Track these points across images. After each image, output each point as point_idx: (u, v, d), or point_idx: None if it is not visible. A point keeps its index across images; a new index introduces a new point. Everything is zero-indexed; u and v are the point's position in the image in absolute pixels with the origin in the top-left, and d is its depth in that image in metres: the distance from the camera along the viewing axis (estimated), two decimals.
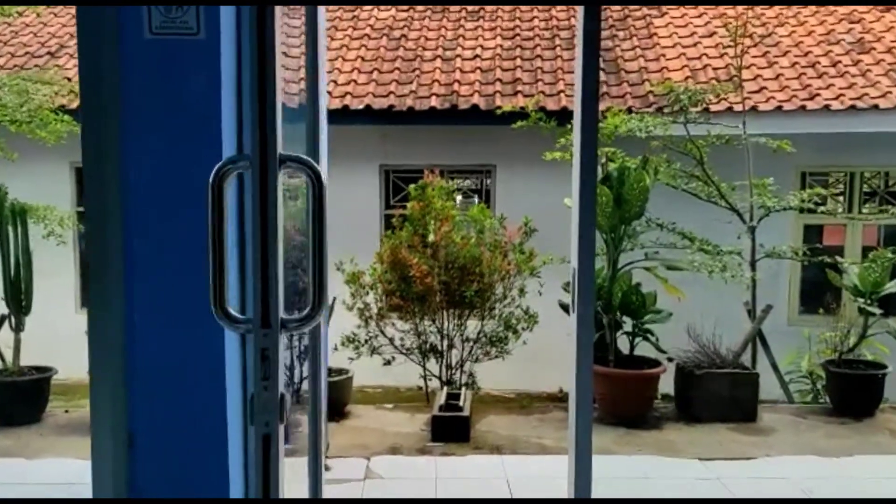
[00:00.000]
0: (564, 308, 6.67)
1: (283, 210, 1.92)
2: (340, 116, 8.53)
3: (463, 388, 6.08)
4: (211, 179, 1.81)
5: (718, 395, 5.86)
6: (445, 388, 6.13)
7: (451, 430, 5.45)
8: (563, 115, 7.87)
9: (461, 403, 5.68)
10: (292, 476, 3.64)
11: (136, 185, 2.41)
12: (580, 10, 2.92)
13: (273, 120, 1.75)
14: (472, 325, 6.73)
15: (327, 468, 4.67)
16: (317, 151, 2.71)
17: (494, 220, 6.93)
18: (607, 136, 6.71)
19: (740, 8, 8.35)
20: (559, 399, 8.67)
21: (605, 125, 6.80)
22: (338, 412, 5.91)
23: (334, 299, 6.19)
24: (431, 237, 6.53)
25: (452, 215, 6.67)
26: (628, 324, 6.23)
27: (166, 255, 2.41)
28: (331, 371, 5.90)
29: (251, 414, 1.83)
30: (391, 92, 8.95)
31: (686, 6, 10.39)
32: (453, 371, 6.73)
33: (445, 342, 6.71)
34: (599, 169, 6.18)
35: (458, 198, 9.16)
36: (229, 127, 2.40)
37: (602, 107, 7.97)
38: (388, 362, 6.77)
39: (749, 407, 5.89)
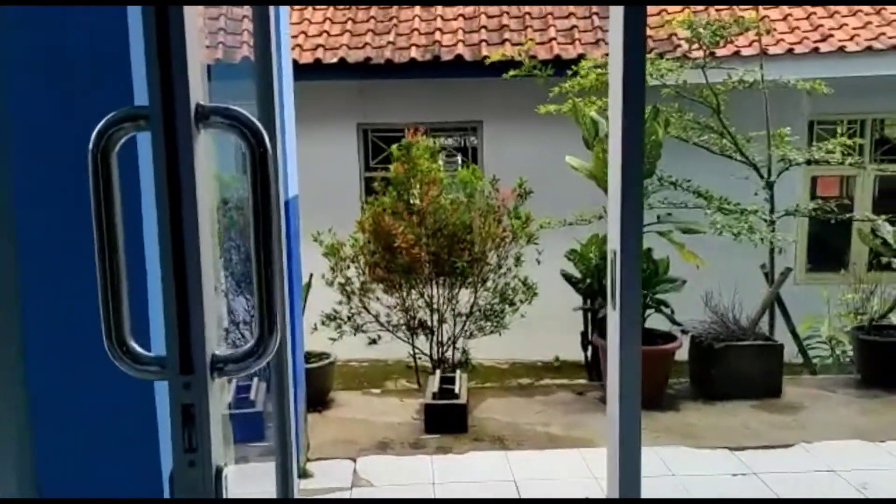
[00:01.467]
0: (567, 279, 6.07)
1: (217, 192, 1.29)
2: (312, 71, 7.81)
3: (458, 371, 5.47)
4: (91, 146, 1.15)
5: (739, 370, 5.31)
6: (438, 372, 5.52)
7: (447, 420, 4.87)
8: (557, 64, 7.22)
9: (457, 389, 5.07)
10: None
11: (22, 156, 1.74)
12: None
13: (181, 48, 1.09)
14: (465, 299, 6.12)
15: (308, 474, 4.08)
16: (271, 112, 2.03)
17: (486, 182, 6.26)
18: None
19: None
20: (555, 369, 8.15)
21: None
22: (320, 401, 5.31)
23: (311, 276, 5.54)
24: (417, 202, 5.89)
25: (440, 178, 6.00)
26: None
27: (69, 259, 1.74)
28: (310, 356, 5.29)
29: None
30: (367, 43, 8.21)
31: None
32: (445, 348, 6.13)
33: (436, 317, 6.10)
34: (603, 122, 5.52)
35: (441, 156, 8.49)
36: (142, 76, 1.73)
37: (598, 54, 7.29)
38: (373, 341, 6.17)
39: (773, 381, 5.36)
